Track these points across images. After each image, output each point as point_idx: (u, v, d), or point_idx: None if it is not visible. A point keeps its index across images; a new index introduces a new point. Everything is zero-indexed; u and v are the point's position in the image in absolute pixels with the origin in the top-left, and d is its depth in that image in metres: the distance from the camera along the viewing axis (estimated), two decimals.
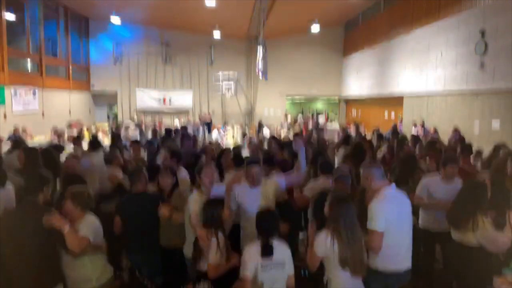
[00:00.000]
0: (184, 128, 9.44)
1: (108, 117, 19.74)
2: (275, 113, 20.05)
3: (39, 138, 10.86)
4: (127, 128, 13.52)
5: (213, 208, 2.99)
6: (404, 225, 2.91)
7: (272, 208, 3.08)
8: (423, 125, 11.69)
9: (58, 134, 10.47)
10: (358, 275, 2.67)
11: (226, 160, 4.88)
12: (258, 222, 2.74)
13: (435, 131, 10.78)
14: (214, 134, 15.31)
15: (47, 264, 2.77)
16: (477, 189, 3.28)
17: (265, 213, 2.80)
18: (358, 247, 2.66)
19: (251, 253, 2.66)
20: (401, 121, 13.59)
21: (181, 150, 5.36)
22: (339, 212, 2.68)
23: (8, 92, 11.43)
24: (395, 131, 10.46)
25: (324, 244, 2.65)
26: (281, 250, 2.71)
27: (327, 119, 20.38)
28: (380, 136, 8.26)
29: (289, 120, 19.51)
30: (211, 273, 2.85)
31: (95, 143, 5.71)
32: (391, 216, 2.82)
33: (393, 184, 3.01)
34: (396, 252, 2.87)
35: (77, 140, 7.04)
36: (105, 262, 3.08)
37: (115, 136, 7.99)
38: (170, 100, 18.74)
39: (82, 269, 2.88)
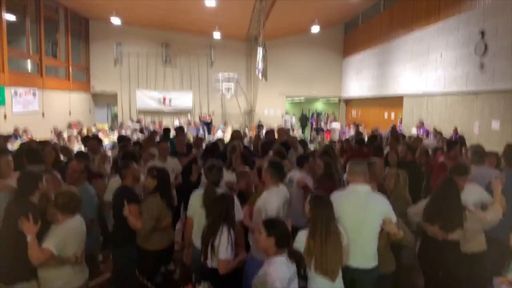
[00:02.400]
0: (180, 128, 9.22)
1: (108, 118, 19.73)
2: (275, 113, 20.06)
3: (39, 139, 10.86)
4: (134, 130, 13.60)
5: (224, 203, 2.96)
6: (365, 223, 2.89)
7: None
8: (420, 127, 11.65)
9: (58, 134, 10.49)
10: (330, 277, 2.62)
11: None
12: (285, 231, 2.52)
13: (435, 131, 10.78)
14: (219, 134, 15.49)
15: (24, 259, 2.74)
16: (451, 185, 3.30)
17: (282, 221, 2.65)
18: (332, 249, 2.62)
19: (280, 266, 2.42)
20: (401, 121, 13.60)
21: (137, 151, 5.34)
22: (316, 212, 2.68)
23: (8, 92, 11.43)
24: (394, 131, 10.50)
25: (302, 242, 2.66)
26: None
27: (327, 118, 20.35)
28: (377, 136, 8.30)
29: (293, 120, 19.43)
30: (222, 268, 2.82)
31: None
32: (345, 210, 2.88)
33: (362, 182, 3.04)
34: (354, 248, 2.85)
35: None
36: (76, 271, 2.92)
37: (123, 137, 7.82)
38: (170, 101, 18.75)
39: (46, 272, 2.80)
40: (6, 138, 7.92)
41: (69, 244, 2.80)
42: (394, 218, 2.94)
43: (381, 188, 3.57)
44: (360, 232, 2.88)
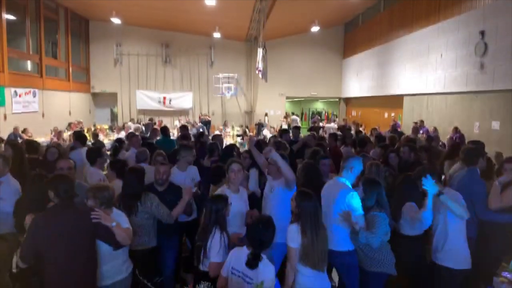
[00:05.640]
0: (184, 127, 9.22)
1: (111, 118, 19.71)
2: (275, 113, 20.06)
3: (39, 139, 10.86)
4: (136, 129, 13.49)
5: (215, 205, 2.91)
6: (332, 208, 3.19)
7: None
8: (421, 126, 11.64)
9: (58, 134, 10.48)
10: (319, 269, 2.73)
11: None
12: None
13: (435, 130, 10.78)
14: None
15: (92, 265, 2.77)
16: (405, 183, 3.53)
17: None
18: (322, 242, 2.74)
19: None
20: (397, 121, 13.60)
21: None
22: (303, 207, 2.75)
23: (8, 93, 11.43)
24: (394, 130, 10.52)
25: (297, 237, 2.73)
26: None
27: (327, 118, 20.35)
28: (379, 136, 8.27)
29: (299, 120, 19.33)
30: (212, 271, 2.79)
31: (82, 138, 5.76)
32: (324, 200, 3.32)
33: (340, 177, 3.37)
34: (331, 233, 3.09)
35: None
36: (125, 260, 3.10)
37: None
38: (170, 101, 18.76)
39: (116, 260, 2.94)
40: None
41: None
42: (357, 212, 3.10)
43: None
44: (327, 215, 3.18)
